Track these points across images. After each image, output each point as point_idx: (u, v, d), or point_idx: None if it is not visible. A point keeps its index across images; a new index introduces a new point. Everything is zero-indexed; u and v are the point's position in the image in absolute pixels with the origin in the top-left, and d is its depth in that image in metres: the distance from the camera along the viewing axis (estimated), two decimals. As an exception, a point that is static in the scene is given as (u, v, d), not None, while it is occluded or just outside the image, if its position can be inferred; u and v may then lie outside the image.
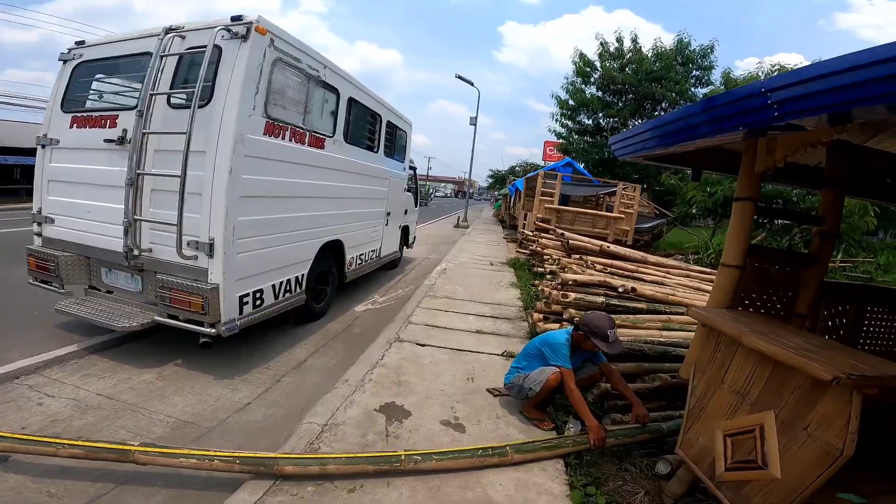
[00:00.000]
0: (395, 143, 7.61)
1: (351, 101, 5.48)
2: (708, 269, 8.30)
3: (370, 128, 6.46)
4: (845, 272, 14.07)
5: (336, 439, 2.89)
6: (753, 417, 1.98)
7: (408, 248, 10.05)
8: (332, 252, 5.64)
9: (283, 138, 4.13)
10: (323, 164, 4.93)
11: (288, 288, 4.58)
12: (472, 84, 21.50)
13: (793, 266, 2.70)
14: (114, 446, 2.47)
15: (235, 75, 3.51)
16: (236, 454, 2.50)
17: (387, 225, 7.62)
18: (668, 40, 24.06)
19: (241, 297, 3.90)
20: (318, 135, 4.74)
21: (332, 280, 5.84)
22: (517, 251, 12.15)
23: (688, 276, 7.42)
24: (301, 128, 4.39)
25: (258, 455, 2.52)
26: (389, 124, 7.15)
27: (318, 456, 2.60)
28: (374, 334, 5.09)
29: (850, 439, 1.59)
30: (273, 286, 4.32)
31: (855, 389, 1.57)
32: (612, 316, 5.12)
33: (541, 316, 5.26)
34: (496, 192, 50.98)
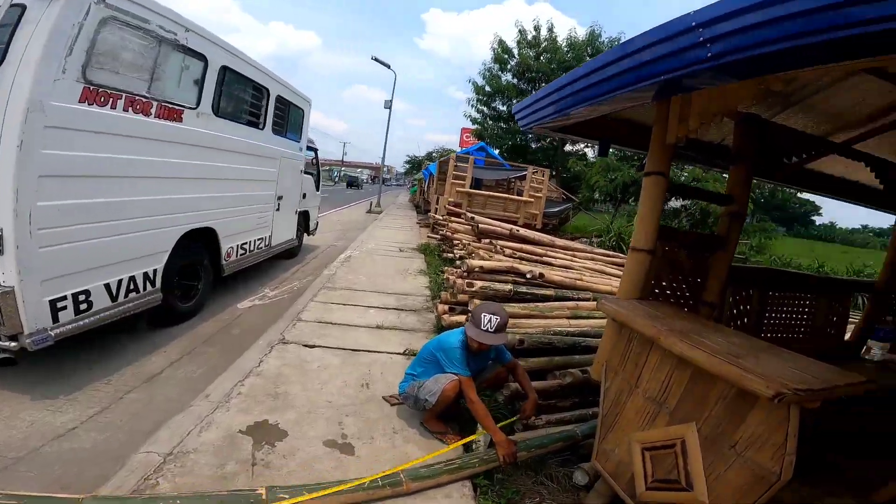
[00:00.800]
0: (288, 120, 6.76)
1: (225, 70, 4.65)
2: (611, 252, 8.50)
3: (253, 102, 5.59)
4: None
5: (182, 472, 2.30)
6: (673, 430, 1.70)
7: (309, 235, 9.17)
8: (201, 241, 4.76)
9: (114, 107, 3.26)
10: (181, 140, 4.05)
11: (133, 287, 3.68)
12: (388, 67, 20.94)
13: (702, 250, 2.50)
14: None
15: (38, 34, 2.74)
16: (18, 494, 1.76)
17: (278, 210, 6.75)
18: (582, 34, 25.22)
19: (55, 302, 3.00)
20: (171, 105, 3.85)
21: (204, 274, 4.94)
22: (428, 236, 11.74)
23: (593, 259, 7.48)
24: (145, 97, 3.52)
25: (55, 497, 1.80)
26: (281, 100, 6.32)
27: (147, 498, 1.94)
28: (258, 335, 4.35)
29: (787, 462, 1.33)
30: (107, 286, 3.42)
31: (793, 404, 1.27)
32: (523, 304, 5.00)
33: (446, 307, 4.85)
34: (412, 178, 50.43)
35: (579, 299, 5.11)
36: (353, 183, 52.21)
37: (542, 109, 2.69)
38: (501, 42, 25.57)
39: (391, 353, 4.14)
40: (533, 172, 14.08)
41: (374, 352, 4.13)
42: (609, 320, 2.23)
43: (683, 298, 2.46)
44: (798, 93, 2.48)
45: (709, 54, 1.28)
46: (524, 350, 3.77)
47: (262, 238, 6.31)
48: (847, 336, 3.37)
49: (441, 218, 10.69)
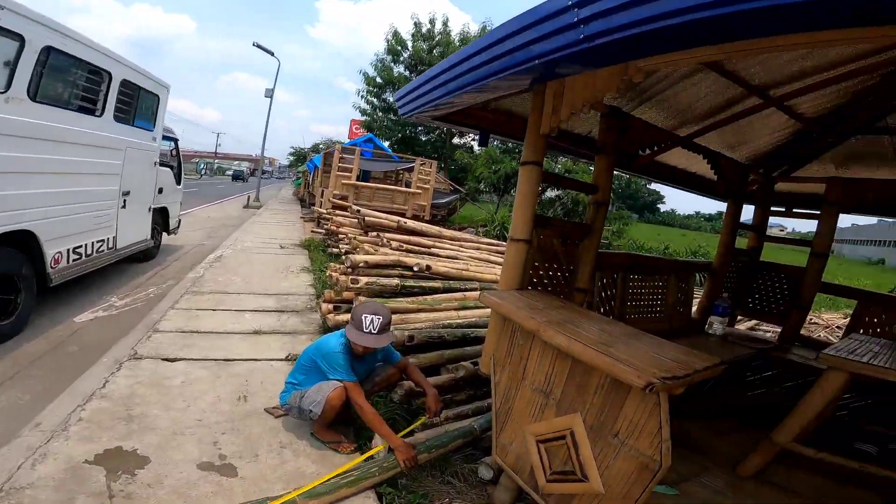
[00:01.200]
0: (138, 107, 5.83)
1: (49, 50, 3.93)
2: (495, 241, 8.83)
3: (88, 86, 4.73)
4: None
5: (19, 509, 1.82)
6: (561, 421, 1.71)
7: (169, 234, 8.06)
8: (16, 247, 3.88)
9: None
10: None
11: None
12: (272, 54, 19.75)
13: (573, 237, 2.60)
14: None
15: None
16: None
17: (125, 207, 5.77)
18: (475, 29, 25.82)
19: None
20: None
21: (23, 285, 4.02)
22: (313, 231, 11.12)
23: (478, 249, 7.68)
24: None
25: None
26: (128, 84, 5.43)
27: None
28: (102, 352, 3.64)
29: (665, 448, 1.37)
30: None
31: (661, 391, 1.31)
32: (412, 298, 4.90)
33: (331, 307, 4.56)
34: (297, 170, 47.91)
35: (467, 290, 5.16)
36: (238, 176, 51.21)
37: (422, 97, 2.57)
38: (396, 34, 25.37)
39: (272, 360, 3.76)
40: (421, 164, 14.11)
41: (252, 360, 3.72)
42: (493, 313, 2.20)
43: (559, 286, 2.54)
44: (653, 88, 2.68)
45: (581, 35, 1.26)
46: (415, 346, 3.66)
47: (104, 240, 5.34)
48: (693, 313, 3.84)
49: (326, 212, 10.20)
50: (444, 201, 16.03)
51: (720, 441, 2.71)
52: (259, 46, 19.34)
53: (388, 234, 6.85)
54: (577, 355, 1.56)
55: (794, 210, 3.95)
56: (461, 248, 7.30)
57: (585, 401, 1.63)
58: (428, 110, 2.65)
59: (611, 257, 3.13)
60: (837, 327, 7.64)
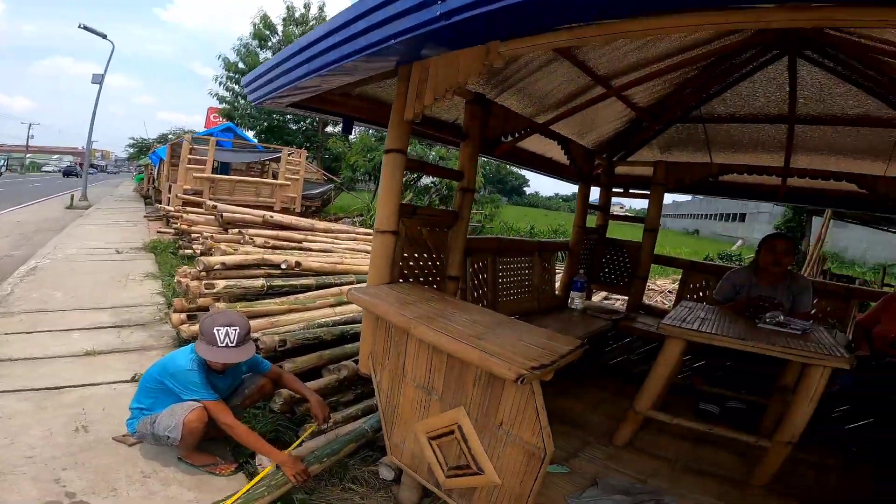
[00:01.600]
0: None
1: None
2: (371, 231, 8.64)
3: None
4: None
5: None
6: (447, 416, 1.69)
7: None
8: None
9: None
10: None
11: None
12: (104, 37, 17.11)
13: (441, 225, 2.58)
14: None
15: None
16: None
17: None
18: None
19: None
20: None
21: None
22: (159, 231, 9.74)
23: (354, 240, 7.45)
24: None
25: None
26: None
27: None
28: None
29: (545, 435, 1.40)
30: None
31: (532, 381, 1.33)
32: (282, 299, 4.51)
33: (183, 316, 3.99)
34: (137, 164, 41.54)
35: (342, 284, 4.93)
36: (71, 172, 45.32)
37: (273, 81, 2.30)
38: (265, 17, 23.24)
39: (115, 384, 3.21)
40: (289, 154, 13.22)
41: (87, 385, 3.14)
42: (365, 311, 2.08)
43: (432, 276, 2.50)
44: (514, 76, 2.76)
45: (438, 13, 1.20)
46: (289, 351, 3.40)
47: None
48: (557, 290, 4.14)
49: (174, 209, 8.99)
50: (317, 192, 15.33)
51: (595, 413, 2.90)
52: (87, 28, 16.63)
53: (251, 231, 6.30)
54: (451, 351, 1.53)
55: (631, 191, 4.48)
56: (336, 241, 7.00)
57: (466, 394, 1.63)
58: (282, 95, 2.39)
59: (480, 242, 3.20)
60: (669, 292, 8.99)
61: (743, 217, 28.63)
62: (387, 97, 2.83)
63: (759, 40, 2.66)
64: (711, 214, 36.17)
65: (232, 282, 4.13)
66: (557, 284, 4.18)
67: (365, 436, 2.60)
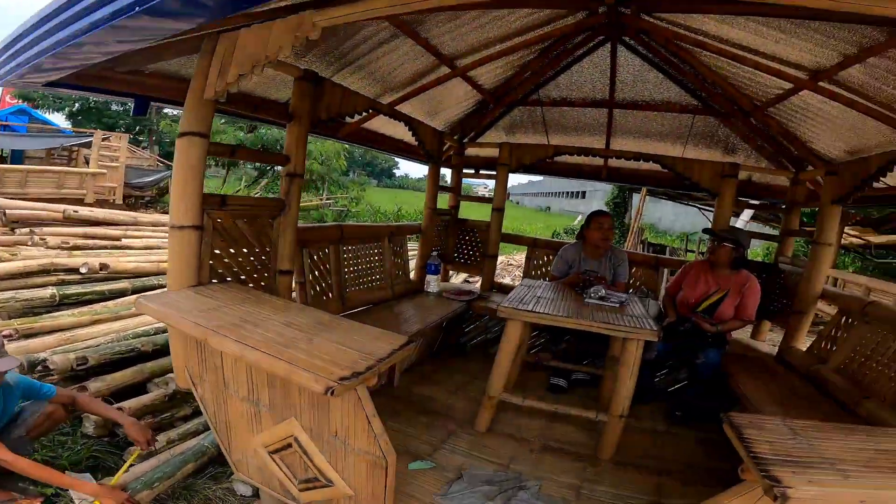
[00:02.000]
0: None
1: None
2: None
3: None
4: (331, 208, 17.15)
5: None
6: (281, 429, 1.53)
7: None
8: None
9: None
10: None
11: None
12: None
13: (264, 216, 2.26)
14: None
15: None
16: None
17: None
18: None
19: None
20: None
21: None
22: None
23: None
24: None
25: None
26: None
27: None
28: None
29: (383, 443, 1.29)
30: None
31: (342, 392, 1.17)
32: (82, 309, 3.67)
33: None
34: None
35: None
36: None
37: (24, 52, 1.65)
38: None
39: None
40: (104, 138, 11.06)
41: None
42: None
43: (256, 273, 2.19)
44: (352, 52, 2.53)
45: None
46: (96, 369, 2.85)
47: None
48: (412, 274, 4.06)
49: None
50: (150, 180, 13.20)
51: (456, 399, 2.87)
52: None
53: (48, 230, 5.10)
54: (253, 363, 1.30)
55: (481, 171, 4.58)
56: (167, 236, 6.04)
57: (295, 404, 1.45)
58: (39, 74, 1.81)
59: (317, 231, 2.93)
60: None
61: (584, 195, 32.28)
62: (188, 74, 2.40)
63: (592, 23, 2.78)
64: (559, 193, 40.06)
65: (8, 294, 3.24)
66: (412, 269, 4.11)
67: (206, 452, 2.28)
